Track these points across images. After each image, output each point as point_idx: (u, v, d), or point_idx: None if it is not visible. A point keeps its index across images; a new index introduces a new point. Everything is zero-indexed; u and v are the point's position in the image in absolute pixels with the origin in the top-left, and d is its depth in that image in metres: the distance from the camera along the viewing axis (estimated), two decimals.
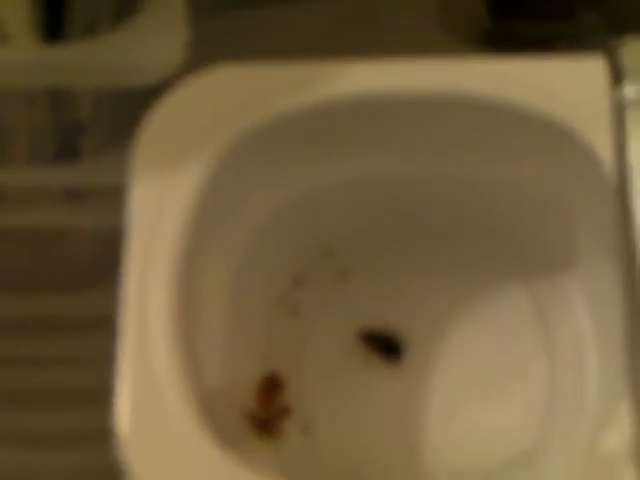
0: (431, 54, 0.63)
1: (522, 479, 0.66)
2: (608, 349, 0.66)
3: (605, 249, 0.63)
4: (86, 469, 0.67)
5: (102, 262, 0.63)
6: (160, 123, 0.62)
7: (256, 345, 0.69)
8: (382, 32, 0.72)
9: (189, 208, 0.61)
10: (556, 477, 0.66)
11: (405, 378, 0.69)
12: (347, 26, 0.73)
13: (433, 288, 0.70)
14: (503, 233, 0.70)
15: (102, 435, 0.56)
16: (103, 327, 0.59)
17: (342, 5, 0.73)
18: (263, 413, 0.68)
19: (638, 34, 0.62)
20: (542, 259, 0.70)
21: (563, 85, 0.62)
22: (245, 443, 0.66)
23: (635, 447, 0.55)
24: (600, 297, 0.67)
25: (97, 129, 0.68)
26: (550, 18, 0.79)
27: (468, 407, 0.68)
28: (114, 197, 0.62)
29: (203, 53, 0.64)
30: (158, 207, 0.61)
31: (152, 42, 0.64)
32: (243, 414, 0.67)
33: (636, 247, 0.57)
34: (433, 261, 0.71)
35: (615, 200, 0.60)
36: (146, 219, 0.60)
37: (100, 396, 0.58)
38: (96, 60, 0.64)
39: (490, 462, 0.67)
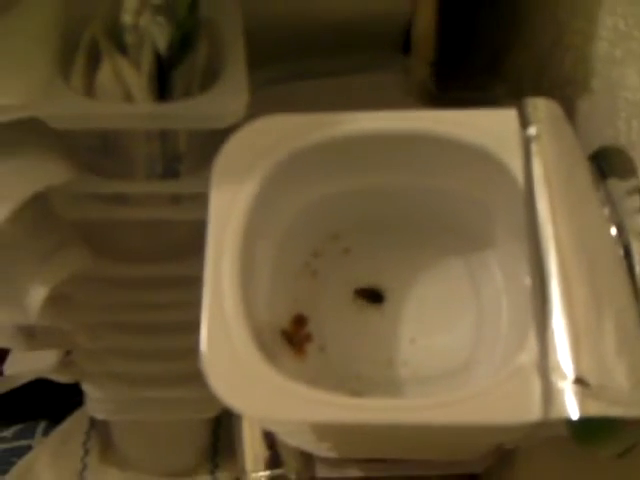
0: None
1: (461, 381, 0.66)
2: (515, 298, 0.66)
3: (515, 234, 0.63)
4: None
5: (194, 241, 0.62)
6: (231, 151, 0.63)
7: (289, 295, 0.70)
8: (368, 99, 0.72)
9: (249, 205, 0.62)
10: (482, 380, 0.64)
11: (385, 316, 0.70)
12: (346, 93, 0.72)
13: (404, 259, 0.71)
14: (449, 223, 0.70)
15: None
16: (197, 283, 0.59)
17: (338, 81, 0.73)
18: (295, 336, 0.68)
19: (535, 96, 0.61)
20: (473, 241, 0.70)
21: (490, 126, 0.63)
22: (283, 357, 0.67)
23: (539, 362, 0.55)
24: (509, 264, 0.67)
25: (190, 156, 0.69)
26: (475, 88, 0.79)
27: (425, 334, 0.69)
28: (202, 200, 0.62)
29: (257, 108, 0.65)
30: (229, 204, 0.62)
31: (226, 100, 0.66)
32: (282, 335, 0.67)
33: (538, 233, 0.58)
34: (405, 242, 0.71)
35: (524, 202, 0.60)
36: (220, 213, 0.62)
37: (194, 326, 0.58)
38: (190, 112, 0.65)
39: (440, 370, 0.67)
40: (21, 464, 0.88)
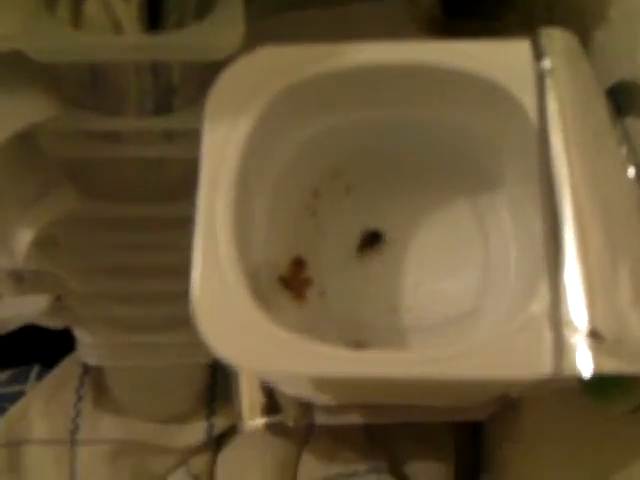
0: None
1: (466, 328, 0.63)
2: (525, 243, 0.63)
3: (526, 176, 0.60)
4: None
5: (188, 181, 0.58)
6: (225, 85, 0.60)
7: (288, 237, 0.66)
8: (370, 29, 0.68)
9: (244, 142, 0.58)
10: (490, 329, 0.61)
11: (388, 260, 0.67)
12: (348, 23, 0.68)
13: (408, 199, 0.67)
14: (456, 163, 0.66)
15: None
16: (189, 224, 0.56)
17: (338, 10, 0.68)
18: (293, 280, 0.65)
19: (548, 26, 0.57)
20: (481, 182, 0.66)
21: (501, 58, 0.59)
22: (280, 302, 0.64)
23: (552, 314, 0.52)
24: (520, 208, 0.64)
25: (185, 90, 0.64)
26: (486, 18, 0.74)
27: (430, 279, 0.66)
28: (196, 136, 0.59)
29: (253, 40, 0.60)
30: (223, 142, 0.58)
31: (221, 31, 0.60)
32: (280, 279, 0.65)
33: (551, 175, 0.55)
34: (408, 180, 0.67)
35: (537, 140, 0.56)
36: (214, 152, 0.58)
37: (186, 269, 0.55)
38: (183, 43, 0.60)
39: (445, 316, 0.65)
40: (13, 410, 0.86)
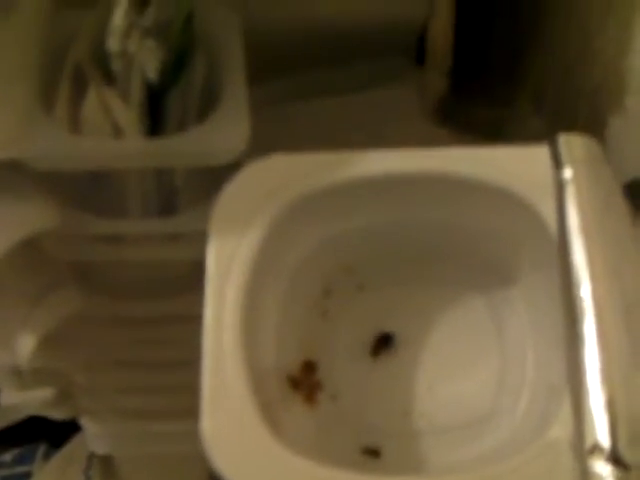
0: (414, 135, 0.56)
1: (483, 431, 0.60)
2: (541, 339, 0.61)
3: (543, 271, 0.58)
4: None
5: (192, 278, 0.56)
6: (231, 195, 0.57)
7: (298, 339, 0.63)
8: (380, 118, 0.65)
9: (253, 253, 0.56)
10: (506, 430, 0.59)
11: (401, 361, 0.63)
12: (355, 112, 0.65)
13: (421, 298, 0.64)
14: (470, 259, 0.64)
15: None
16: (195, 320, 0.54)
17: (352, 98, 0.65)
18: (303, 383, 0.62)
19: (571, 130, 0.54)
20: (496, 277, 0.64)
21: (519, 166, 0.57)
22: (291, 407, 0.61)
23: (575, 439, 0.48)
24: (536, 305, 0.61)
25: (188, 190, 0.63)
26: (498, 106, 0.71)
27: (443, 383, 0.62)
28: (200, 237, 0.56)
29: (261, 135, 0.58)
30: (230, 254, 0.56)
31: (224, 136, 0.59)
32: (289, 380, 0.61)
33: (573, 291, 0.50)
34: (422, 278, 0.64)
35: (557, 247, 0.52)
36: (220, 265, 0.55)
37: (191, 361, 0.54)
38: (185, 148, 0.59)
39: (459, 420, 0.62)
40: None
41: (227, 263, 0.55)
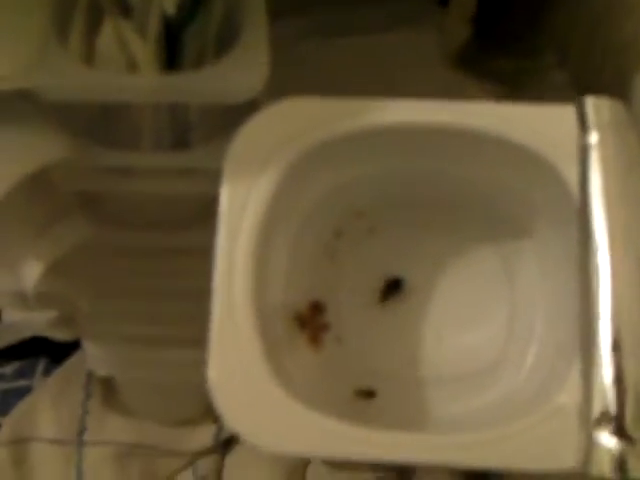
0: (432, 81, 0.55)
1: (487, 383, 0.60)
2: (553, 295, 0.60)
3: (559, 229, 0.58)
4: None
5: (203, 211, 0.57)
6: (246, 137, 0.56)
7: (307, 279, 0.62)
8: (397, 61, 0.63)
9: (264, 206, 0.55)
10: (511, 383, 0.59)
11: (411, 308, 0.63)
12: (374, 54, 0.63)
13: (432, 245, 0.63)
14: (484, 210, 0.62)
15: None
16: (205, 251, 0.54)
17: (366, 41, 0.63)
18: (310, 323, 0.62)
19: (595, 86, 0.53)
20: (509, 229, 0.63)
21: (544, 126, 0.55)
22: (295, 346, 0.61)
23: (582, 408, 0.49)
24: (550, 259, 0.60)
25: (203, 126, 0.61)
26: (520, 56, 0.69)
27: (452, 331, 0.62)
28: (213, 174, 0.55)
29: (274, 78, 0.56)
30: (244, 199, 0.55)
31: (242, 74, 0.56)
32: (296, 319, 0.61)
33: (591, 262, 0.50)
34: (434, 225, 0.63)
35: (577, 212, 0.52)
36: (233, 211, 0.55)
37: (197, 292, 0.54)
38: (201, 86, 0.56)
39: (466, 370, 0.61)
40: (19, 408, 0.84)
41: (240, 205, 0.54)
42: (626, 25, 0.63)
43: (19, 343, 0.85)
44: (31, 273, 0.62)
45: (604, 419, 0.48)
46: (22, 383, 0.85)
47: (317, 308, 0.62)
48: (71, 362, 0.86)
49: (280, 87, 0.56)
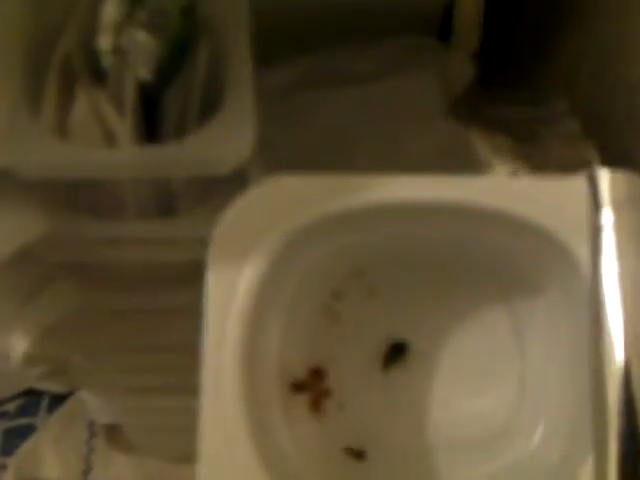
0: (435, 133, 0.50)
1: (500, 447, 0.57)
2: (566, 358, 0.56)
3: (568, 288, 0.53)
4: None
5: (191, 272, 0.52)
6: (233, 217, 0.52)
7: (306, 343, 0.58)
8: (398, 110, 0.58)
9: (258, 275, 0.51)
10: (523, 447, 0.56)
11: (414, 375, 0.59)
12: (371, 106, 0.58)
13: (437, 305, 0.59)
14: (492, 267, 0.58)
15: None
16: (194, 309, 0.50)
17: (368, 89, 0.58)
18: (310, 390, 0.58)
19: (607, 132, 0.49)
20: (518, 288, 0.58)
21: (554, 200, 0.50)
22: (298, 416, 0.57)
23: None
24: (561, 319, 0.56)
25: (187, 196, 0.57)
26: (526, 104, 0.63)
27: (460, 397, 0.58)
28: (200, 239, 0.51)
29: (265, 136, 0.52)
30: (229, 290, 0.51)
31: (227, 142, 0.52)
32: (294, 388, 0.57)
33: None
34: (437, 286, 0.59)
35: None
36: (222, 285, 0.51)
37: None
38: (184, 158, 0.52)
39: (475, 437, 0.58)
40: (24, 448, 0.81)
41: (228, 292, 0.50)
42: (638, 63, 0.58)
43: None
44: (19, 343, 0.59)
45: None
46: (25, 421, 0.82)
47: (318, 374, 0.58)
48: (74, 399, 0.83)
49: (272, 144, 0.52)
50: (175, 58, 0.53)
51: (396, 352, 0.59)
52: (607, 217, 0.47)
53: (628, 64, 0.59)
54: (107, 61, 0.51)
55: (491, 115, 0.60)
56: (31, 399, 0.84)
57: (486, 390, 0.58)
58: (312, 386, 0.58)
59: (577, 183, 0.48)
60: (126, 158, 0.52)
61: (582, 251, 0.48)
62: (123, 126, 0.51)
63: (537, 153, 0.51)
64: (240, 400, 0.49)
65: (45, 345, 0.62)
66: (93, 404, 0.73)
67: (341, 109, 0.59)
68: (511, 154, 0.53)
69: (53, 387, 0.71)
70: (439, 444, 0.57)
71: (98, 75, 0.53)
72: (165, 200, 0.56)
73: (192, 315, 0.51)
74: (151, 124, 0.53)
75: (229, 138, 0.51)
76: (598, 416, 0.47)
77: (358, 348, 0.59)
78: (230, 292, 0.50)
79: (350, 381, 0.58)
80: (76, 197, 0.55)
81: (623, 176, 0.48)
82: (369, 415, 0.58)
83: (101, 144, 0.52)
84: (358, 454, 0.57)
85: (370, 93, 0.60)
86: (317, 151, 0.51)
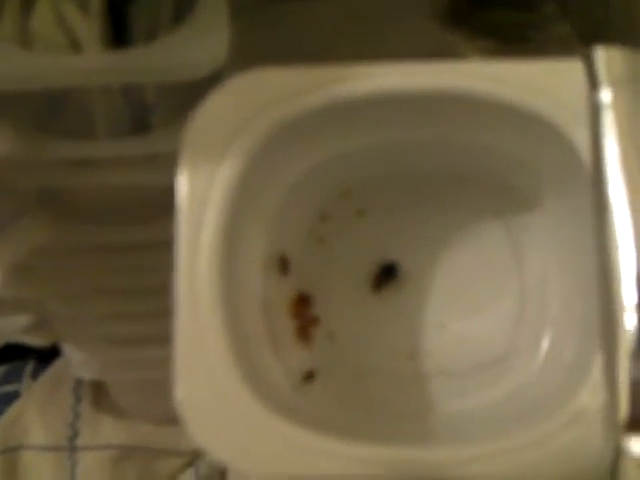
0: (422, 39, 0.46)
1: (497, 375, 0.52)
2: (567, 269, 0.52)
3: (570, 198, 0.50)
4: None
5: (171, 201, 0.47)
6: (205, 116, 0.47)
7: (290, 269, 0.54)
8: (384, 19, 0.54)
9: (232, 184, 0.46)
10: (524, 375, 0.52)
11: (406, 297, 0.55)
12: (355, 13, 0.54)
13: (428, 224, 0.55)
14: (484, 182, 0.54)
15: None
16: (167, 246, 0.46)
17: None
18: (298, 321, 0.53)
19: (603, 36, 0.44)
20: (515, 202, 0.54)
21: (546, 84, 0.46)
22: (282, 343, 0.52)
23: (606, 407, 0.39)
24: (562, 231, 0.52)
25: (164, 106, 0.52)
26: (516, 8, 0.59)
27: (456, 319, 0.54)
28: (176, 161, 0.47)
29: (240, 43, 0.48)
30: (205, 186, 0.46)
31: (199, 45, 0.48)
32: (282, 321, 0.53)
33: (609, 240, 0.40)
34: (430, 202, 0.55)
35: (592, 186, 0.42)
36: (193, 202, 0.46)
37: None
38: (153, 61, 0.48)
39: (473, 361, 0.53)
40: (7, 415, 0.77)
41: (201, 194, 0.46)
42: None
43: (4, 347, 0.77)
44: None
45: (633, 424, 0.40)
46: (9, 388, 0.78)
47: (304, 300, 0.54)
48: (58, 364, 0.78)
49: (257, 55, 0.48)
50: None
51: (387, 274, 0.54)
52: (606, 95, 0.42)
53: None
54: None
55: (479, 20, 0.56)
56: (15, 366, 0.79)
57: (483, 310, 0.53)
58: (298, 314, 0.54)
59: (571, 65, 0.44)
60: (91, 63, 0.47)
61: (581, 135, 0.44)
62: (88, 30, 0.47)
63: (528, 56, 0.47)
64: (219, 324, 0.45)
65: (17, 285, 0.57)
66: (77, 359, 0.69)
67: (327, 16, 0.56)
68: (500, 57, 0.48)
69: (35, 341, 0.66)
70: (434, 370, 0.53)
71: None
72: (139, 115, 0.51)
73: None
74: (120, 36, 0.49)
75: (201, 40, 0.47)
76: (608, 340, 0.43)
77: (346, 271, 0.54)
78: (204, 200, 0.46)
79: (339, 307, 0.54)
80: (43, 116, 0.51)
81: (621, 53, 0.43)
82: (360, 343, 0.54)
83: (66, 51, 0.48)
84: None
85: (358, 3, 0.56)
86: (299, 57, 0.46)
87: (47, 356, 0.79)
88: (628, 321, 0.40)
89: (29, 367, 0.79)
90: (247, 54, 0.48)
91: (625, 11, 0.52)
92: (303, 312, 0.54)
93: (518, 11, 0.59)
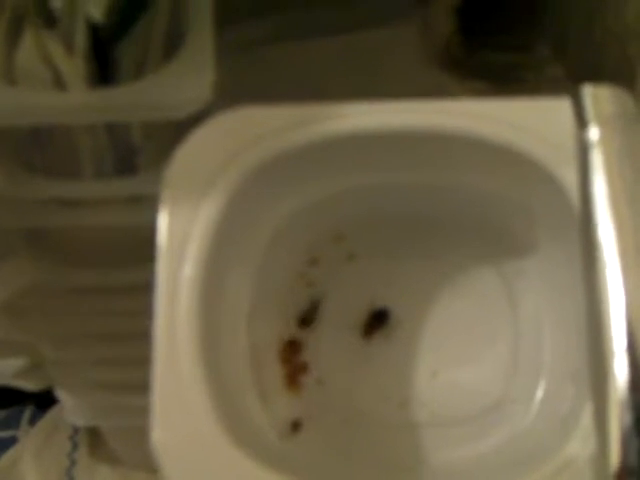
0: (416, 82, 0.44)
1: (487, 426, 0.50)
2: (561, 316, 0.49)
3: (563, 242, 0.47)
4: None
5: (152, 246, 0.45)
6: (189, 152, 0.45)
7: (279, 314, 0.52)
8: (377, 62, 0.52)
9: (216, 217, 0.44)
10: (518, 425, 0.49)
11: (397, 343, 0.52)
12: (348, 56, 0.52)
13: (421, 270, 0.53)
14: (477, 226, 0.52)
15: None
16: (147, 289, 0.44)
17: (343, 41, 0.52)
18: (287, 367, 0.51)
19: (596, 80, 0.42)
20: (509, 246, 0.52)
21: (535, 123, 0.44)
22: (273, 392, 0.50)
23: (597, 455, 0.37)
24: (554, 275, 0.50)
25: (149, 147, 0.51)
26: (511, 51, 0.57)
27: (448, 367, 0.51)
28: None
29: (231, 84, 0.47)
30: (186, 226, 0.44)
31: (185, 84, 0.46)
32: (270, 367, 0.51)
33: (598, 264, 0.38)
34: (422, 248, 0.53)
35: (581, 226, 0.40)
36: (177, 226, 0.44)
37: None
38: (137, 99, 0.46)
39: (463, 412, 0.51)
40: (4, 460, 0.74)
41: (182, 237, 0.44)
42: (627, 8, 0.52)
43: (2, 390, 0.75)
44: None
45: (624, 474, 0.37)
46: (7, 434, 0.76)
47: (293, 348, 0.51)
48: (56, 410, 0.76)
49: (247, 95, 0.46)
50: (132, 3, 0.47)
51: (378, 320, 0.52)
52: (594, 134, 0.40)
53: (616, 17, 0.53)
54: (56, 1, 0.46)
55: (473, 62, 0.54)
56: (13, 411, 0.77)
57: (476, 357, 0.51)
58: (287, 360, 0.51)
59: (561, 104, 0.42)
60: (75, 100, 0.46)
61: (569, 175, 0.42)
62: (73, 67, 0.46)
63: (518, 96, 0.45)
64: (197, 369, 0.43)
65: (6, 325, 0.55)
66: (69, 404, 0.67)
67: (322, 58, 0.54)
68: (490, 96, 0.47)
69: (29, 385, 0.65)
70: (425, 419, 0.50)
71: (49, 21, 0.47)
72: (125, 155, 0.50)
73: None
74: (107, 73, 0.48)
75: (186, 79, 0.46)
76: (598, 389, 0.40)
77: (336, 317, 0.52)
78: (184, 240, 0.44)
79: (328, 354, 0.52)
80: (27, 154, 0.50)
81: (609, 91, 0.41)
82: (350, 391, 0.51)
83: (50, 87, 0.46)
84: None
85: (351, 43, 0.54)
86: (291, 97, 0.45)
87: (45, 402, 0.77)
88: (618, 367, 0.37)
89: (27, 413, 0.77)
90: (237, 94, 0.47)
91: (619, 53, 0.51)
92: (292, 358, 0.51)
93: (513, 53, 0.57)
